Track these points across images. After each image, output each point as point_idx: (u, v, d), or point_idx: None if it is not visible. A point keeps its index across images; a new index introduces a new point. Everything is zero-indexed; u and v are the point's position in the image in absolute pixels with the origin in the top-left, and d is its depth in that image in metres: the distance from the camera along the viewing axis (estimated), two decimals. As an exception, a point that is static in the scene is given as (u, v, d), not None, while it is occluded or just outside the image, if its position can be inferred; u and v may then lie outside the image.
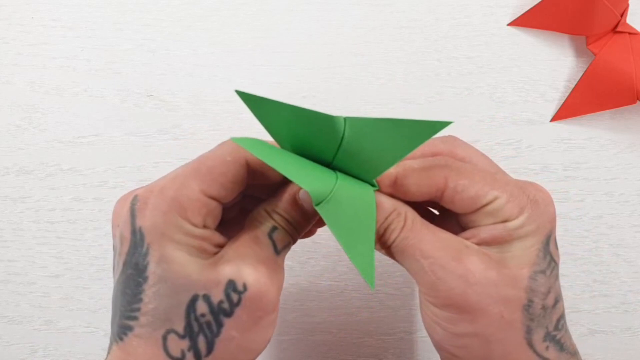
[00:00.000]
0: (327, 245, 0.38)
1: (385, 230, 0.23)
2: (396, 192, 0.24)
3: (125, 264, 0.22)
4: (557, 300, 0.23)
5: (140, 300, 0.22)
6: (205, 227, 0.22)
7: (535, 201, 0.23)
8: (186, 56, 0.38)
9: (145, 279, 0.21)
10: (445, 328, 0.23)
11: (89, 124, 0.38)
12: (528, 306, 0.22)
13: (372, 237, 0.23)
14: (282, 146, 0.23)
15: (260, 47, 0.38)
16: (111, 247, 0.38)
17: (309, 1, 0.38)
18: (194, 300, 0.21)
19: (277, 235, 0.23)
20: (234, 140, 0.20)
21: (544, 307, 0.22)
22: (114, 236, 0.24)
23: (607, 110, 0.38)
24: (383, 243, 0.24)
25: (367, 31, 0.38)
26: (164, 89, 0.38)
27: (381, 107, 0.38)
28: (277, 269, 0.23)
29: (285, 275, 0.37)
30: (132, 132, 0.38)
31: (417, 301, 0.38)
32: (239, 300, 0.21)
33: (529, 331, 0.22)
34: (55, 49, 0.38)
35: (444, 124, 0.20)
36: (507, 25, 0.38)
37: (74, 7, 0.38)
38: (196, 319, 0.21)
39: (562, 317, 0.23)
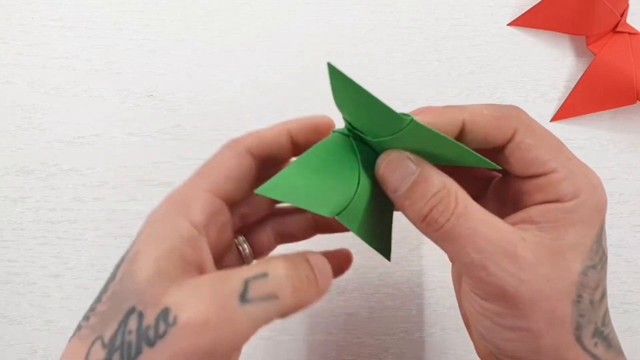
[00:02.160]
0: (327, 246, 0.38)
1: (432, 210, 0.21)
2: (461, 138, 0.22)
3: (113, 274, 0.21)
4: (604, 294, 0.22)
5: (100, 300, 0.20)
6: (205, 231, 0.21)
7: (594, 186, 0.21)
8: (186, 56, 0.38)
9: (115, 276, 0.20)
10: (494, 321, 0.22)
11: (89, 124, 0.38)
12: (577, 301, 0.21)
13: (390, 225, 0.23)
14: (343, 114, 0.23)
15: (260, 47, 0.38)
16: (111, 246, 0.38)
17: (309, 1, 0.38)
18: (130, 312, 0.19)
19: (258, 282, 0.19)
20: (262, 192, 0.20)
21: (591, 302, 0.21)
22: None
23: (607, 110, 0.38)
24: (427, 225, 0.21)
25: (367, 31, 0.38)
26: (164, 89, 0.38)
27: (381, 107, 0.38)
28: (233, 320, 0.19)
29: (285, 275, 0.38)
30: (132, 132, 0.38)
31: (417, 301, 0.38)
32: (165, 333, 0.18)
33: (578, 327, 0.21)
34: (55, 49, 0.38)
35: (493, 166, 0.21)
36: (507, 25, 0.38)
37: (74, 7, 0.38)
38: (123, 334, 0.19)
39: (607, 311, 0.22)
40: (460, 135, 0.23)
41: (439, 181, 0.21)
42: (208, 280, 0.20)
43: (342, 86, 0.20)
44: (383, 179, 0.22)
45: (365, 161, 0.23)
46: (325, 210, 0.21)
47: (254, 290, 0.19)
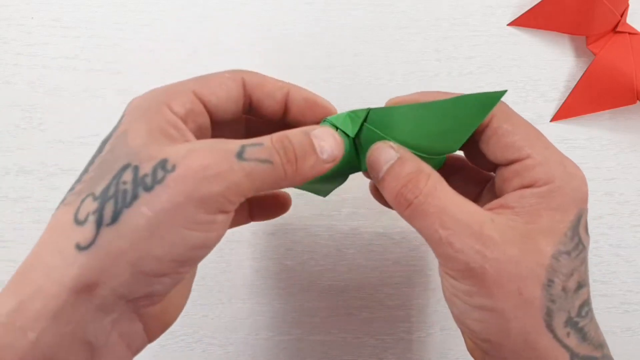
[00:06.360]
0: (327, 245, 0.38)
1: (402, 188, 0.22)
2: None
3: (98, 151, 0.22)
4: (581, 285, 0.22)
5: (86, 171, 0.21)
6: (184, 121, 0.22)
7: (571, 175, 0.22)
8: (186, 56, 0.38)
9: (101, 150, 0.21)
10: (464, 300, 0.22)
11: (89, 124, 0.38)
12: (548, 286, 0.21)
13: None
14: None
15: (260, 47, 0.38)
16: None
17: (310, 1, 0.38)
18: (124, 168, 0.19)
19: (254, 148, 0.20)
20: None
21: (564, 289, 0.21)
22: None
23: (607, 110, 0.38)
24: (398, 202, 0.22)
25: (367, 31, 0.38)
26: (164, 89, 0.38)
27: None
28: (228, 170, 0.19)
29: (286, 276, 0.38)
30: (132, 132, 0.38)
31: (417, 301, 0.38)
32: (163, 178, 0.19)
33: (549, 313, 0.21)
34: (55, 49, 0.38)
35: (499, 94, 0.22)
36: (507, 25, 0.38)
37: (74, 7, 0.38)
38: (117, 185, 0.19)
39: (586, 304, 0.22)
40: None
41: (414, 164, 0.23)
42: (205, 141, 0.20)
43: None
44: (370, 166, 0.24)
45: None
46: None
47: (250, 153, 0.20)
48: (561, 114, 0.38)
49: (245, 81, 0.24)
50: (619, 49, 0.36)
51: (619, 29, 0.36)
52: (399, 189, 0.22)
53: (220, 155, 0.20)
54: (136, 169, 0.19)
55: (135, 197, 0.19)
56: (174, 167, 0.19)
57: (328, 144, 0.22)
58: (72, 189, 0.21)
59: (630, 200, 0.38)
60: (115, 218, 0.19)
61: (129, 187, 0.19)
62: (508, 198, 0.22)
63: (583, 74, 0.37)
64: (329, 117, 0.25)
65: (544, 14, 0.37)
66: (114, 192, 0.19)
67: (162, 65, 0.38)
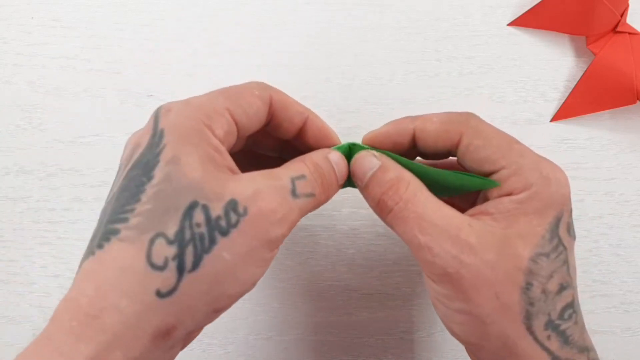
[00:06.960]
0: (327, 245, 0.38)
1: (383, 195, 0.23)
2: (414, 145, 0.25)
3: (131, 168, 0.21)
4: (564, 287, 0.22)
5: (138, 200, 0.20)
6: (222, 143, 0.22)
7: (547, 179, 0.22)
8: (186, 56, 0.38)
9: (151, 177, 0.20)
10: (445, 304, 0.23)
11: (89, 124, 0.38)
12: (526, 289, 0.21)
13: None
14: None
15: (260, 47, 0.38)
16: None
17: (309, 1, 0.38)
18: (193, 206, 0.20)
19: (301, 182, 0.22)
20: None
21: (544, 292, 0.21)
22: (121, 159, 0.23)
23: (607, 110, 0.38)
24: (380, 209, 0.24)
25: (367, 31, 0.38)
26: (164, 89, 0.38)
27: (381, 107, 0.38)
28: (289, 211, 0.21)
29: (286, 276, 0.38)
30: (132, 132, 0.38)
31: (417, 301, 0.38)
32: (237, 222, 0.20)
33: (528, 316, 0.21)
34: (55, 49, 0.38)
35: (493, 184, 0.23)
36: (507, 25, 0.38)
37: (74, 7, 0.38)
38: (190, 227, 0.19)
39: (569, 306, 0.22)
40: (413, 143, 0.25)
41: (395, 172, 0.23)
42: (260, 176, 0.21)
43: None
44: (354, 174, 0.25)
45: None
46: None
47: (300, 188, 0.22)
48: (561, 114, 0.38)
49: (272, 101, 0.24)
50: (619, 49, 0.36)
51: (619, 29, 0.36)
52: (380, 196, 0.23)
53: (281, 196, 0.21)
54: (206, 209, 0.20)
55: (213, 241, 0.19)
56: (245, 211, 0.20)
57: (342, 170, 0.24)
58: (123, 219, 0.20)
59: (630, 200, 0.38)
60: (196, 264, 0.19)
61: (204, 230, 0.19)
62: (488, 205, 0.23)
63: (583, 74, 0.37)
64: (333, 147, 0.26)
65: (544, 14, 0.37)
66: (190, 236, 0.19)
67: (162, 65, 0.38)
